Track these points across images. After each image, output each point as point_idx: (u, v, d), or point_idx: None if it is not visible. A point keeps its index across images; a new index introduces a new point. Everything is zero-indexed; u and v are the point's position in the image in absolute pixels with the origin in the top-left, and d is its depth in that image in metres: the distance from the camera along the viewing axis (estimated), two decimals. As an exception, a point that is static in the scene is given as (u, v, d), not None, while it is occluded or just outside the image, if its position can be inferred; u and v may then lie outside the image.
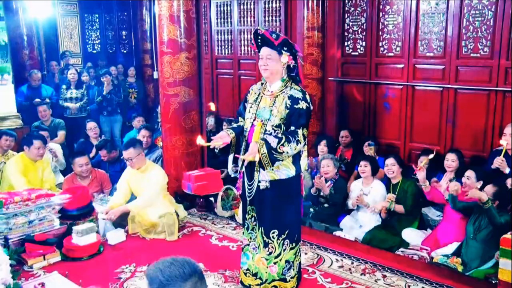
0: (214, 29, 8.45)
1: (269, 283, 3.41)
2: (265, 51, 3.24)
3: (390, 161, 4.99)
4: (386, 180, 5.22)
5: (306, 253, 4.19)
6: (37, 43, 8.82)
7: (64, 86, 8.04)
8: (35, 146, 5.16)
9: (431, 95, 6.09)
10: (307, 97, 3.27)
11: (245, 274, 3.50)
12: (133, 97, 8.96)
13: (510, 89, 5.41)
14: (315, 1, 6.69)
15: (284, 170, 3.25)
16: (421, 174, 4.62)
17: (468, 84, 5.76)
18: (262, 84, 3.42)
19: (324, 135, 6.44)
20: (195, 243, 4.43)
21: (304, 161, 3.39)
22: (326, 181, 5.25)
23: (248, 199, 3.38)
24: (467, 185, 4.16)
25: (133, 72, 9.27)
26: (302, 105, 3.19)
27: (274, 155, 3.14)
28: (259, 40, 3.27)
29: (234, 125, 3.52)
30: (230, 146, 3.38)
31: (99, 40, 10.90)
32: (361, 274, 3.82)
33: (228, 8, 8.15)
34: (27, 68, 8.09)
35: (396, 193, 4.86)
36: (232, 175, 4.75)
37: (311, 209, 5.24)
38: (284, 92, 3.25)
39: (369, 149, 5.91)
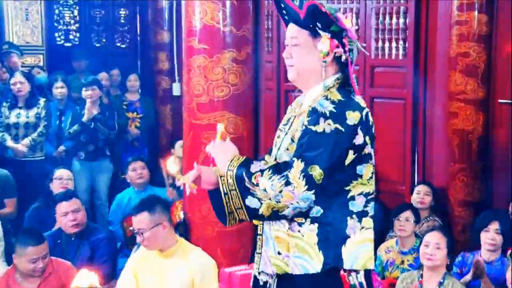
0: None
1: None
2: (290, 30, 2.17)
3: None
4: None
5: None
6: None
7: (4, 104, 5.31)
8: None
9: None
10: (348, 114, 2.04)
11: None
12: (134, 126, 6.33)
13: None
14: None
15: (299, 258, 2.10)
16: None
17: None
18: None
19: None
20: None
21: (365, 249, 2.06)
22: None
23: None
24: None
25: (136, 82, 6.37)
26: (324, 126, 2.05)
27: (246, 185, 2.13)
28: (284, 13, 2.20)
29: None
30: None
31: (75, 26, 7.24)
32: None
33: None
34: None
35: None
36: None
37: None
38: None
39: None
